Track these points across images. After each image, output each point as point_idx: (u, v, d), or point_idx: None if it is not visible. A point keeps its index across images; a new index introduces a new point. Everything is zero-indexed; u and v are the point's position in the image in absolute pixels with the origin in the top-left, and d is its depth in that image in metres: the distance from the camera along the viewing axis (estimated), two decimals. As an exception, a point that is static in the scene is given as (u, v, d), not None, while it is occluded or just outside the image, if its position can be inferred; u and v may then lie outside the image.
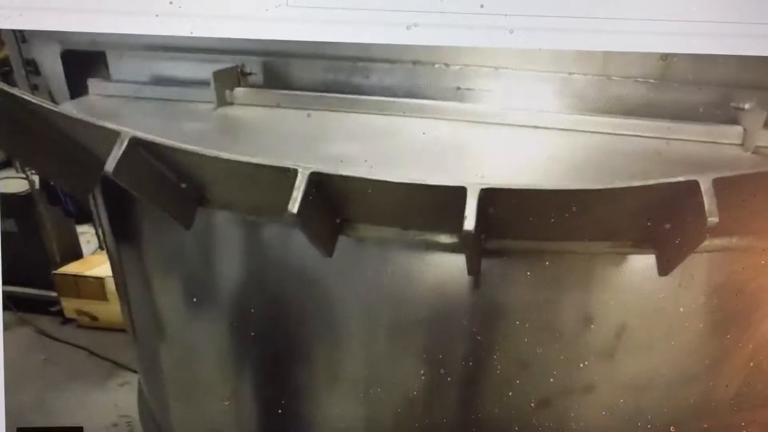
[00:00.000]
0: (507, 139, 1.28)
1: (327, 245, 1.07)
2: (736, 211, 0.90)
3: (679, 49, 0.89)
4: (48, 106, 1.06)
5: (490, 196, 0.91)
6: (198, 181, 1.09)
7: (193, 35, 0.92)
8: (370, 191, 0.96)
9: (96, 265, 3.26)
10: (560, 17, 0.89)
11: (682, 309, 1.13)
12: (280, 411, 1.38)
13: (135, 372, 2.89)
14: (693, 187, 0.88)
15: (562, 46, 0.89)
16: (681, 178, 0.89)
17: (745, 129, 1.20)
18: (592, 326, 1.13)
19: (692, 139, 1.23)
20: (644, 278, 1.09)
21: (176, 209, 1.12)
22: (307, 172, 0.93)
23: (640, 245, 1.05)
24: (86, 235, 3.77)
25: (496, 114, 1.31)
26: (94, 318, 3.13)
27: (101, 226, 1.75)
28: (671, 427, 1.23)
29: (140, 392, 2.26)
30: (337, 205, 1.03)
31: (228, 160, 0.97)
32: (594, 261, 1.08)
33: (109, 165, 0.97)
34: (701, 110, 1.24)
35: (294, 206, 0.93)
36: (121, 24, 0.90)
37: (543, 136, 1.26)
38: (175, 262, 1.42)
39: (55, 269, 3.24)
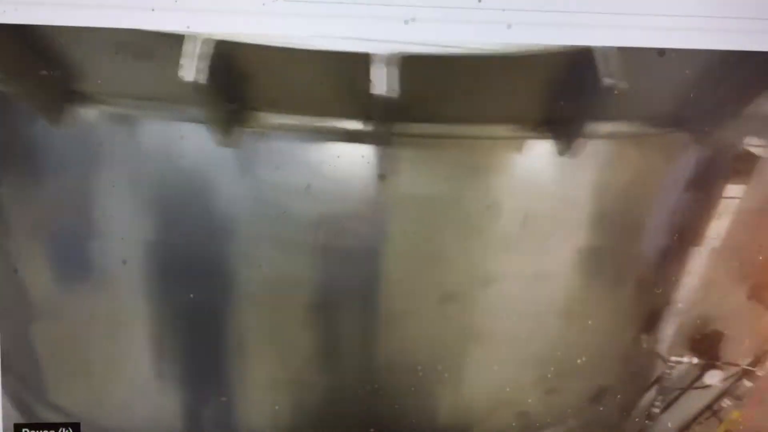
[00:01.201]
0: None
1: (226, 134, 0.99)
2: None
3: (676, 45, 0.94)
4: None
5: (404, 64, 0.89)
6: (72, 64, 0.96)
7: (189, 30, 0.89)
8: (266, 62, 0.90)
9: None
10: (558, 12, 0.93)
11: (577, 196, 1.18)
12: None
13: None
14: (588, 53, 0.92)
15: (560, 41, 0.92)
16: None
17: None
18: (499, 215, 1.14)
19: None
20: (544, 163, 1.13)
21: (42, 102, 0.98)
22: (202, 38, 0.86)
23: (539, 128, 1.08)
24: None
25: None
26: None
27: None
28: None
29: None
30: (235, 86, 0.96)
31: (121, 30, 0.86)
32: (496, 146, 1.10)
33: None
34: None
35: (189, 74, 0.84)
36: (117, 19, 0.88)
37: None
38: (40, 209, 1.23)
39: None
